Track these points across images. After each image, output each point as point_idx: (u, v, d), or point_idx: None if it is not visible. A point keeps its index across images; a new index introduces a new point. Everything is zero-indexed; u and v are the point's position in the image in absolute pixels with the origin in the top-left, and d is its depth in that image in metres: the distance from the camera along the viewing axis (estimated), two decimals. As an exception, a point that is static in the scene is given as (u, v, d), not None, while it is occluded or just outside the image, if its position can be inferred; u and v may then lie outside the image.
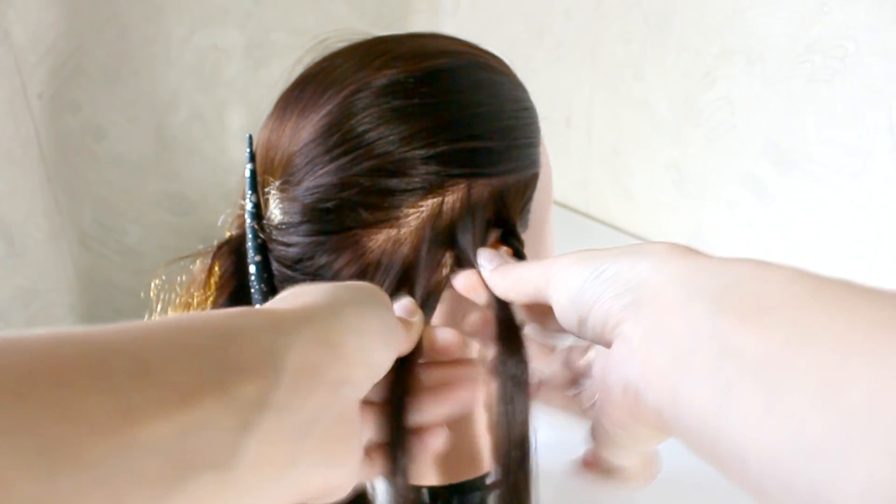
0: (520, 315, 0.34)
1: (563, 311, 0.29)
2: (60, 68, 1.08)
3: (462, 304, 0.37)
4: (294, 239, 0.36)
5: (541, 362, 0.36)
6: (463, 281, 0.35)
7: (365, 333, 0.26)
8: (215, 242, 0.41)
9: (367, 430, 0.31)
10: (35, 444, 0.15)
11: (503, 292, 0.33)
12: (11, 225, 1.10)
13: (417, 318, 0.33)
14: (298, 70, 0.41)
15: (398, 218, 0.35)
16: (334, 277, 0.36)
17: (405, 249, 0.35)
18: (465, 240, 0.36)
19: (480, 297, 0.35)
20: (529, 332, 0.35)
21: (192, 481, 0.18)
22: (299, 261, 0.37)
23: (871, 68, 0.72)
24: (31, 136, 1.08)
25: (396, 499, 0.31)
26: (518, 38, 1.16)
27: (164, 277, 0.43)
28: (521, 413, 0.33)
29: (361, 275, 0.36)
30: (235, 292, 0.39)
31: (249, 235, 0.38)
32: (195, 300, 0.40)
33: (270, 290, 0.38)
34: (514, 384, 0.33)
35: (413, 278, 0.36)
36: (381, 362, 0.27)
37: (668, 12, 0.91)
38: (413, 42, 0.39)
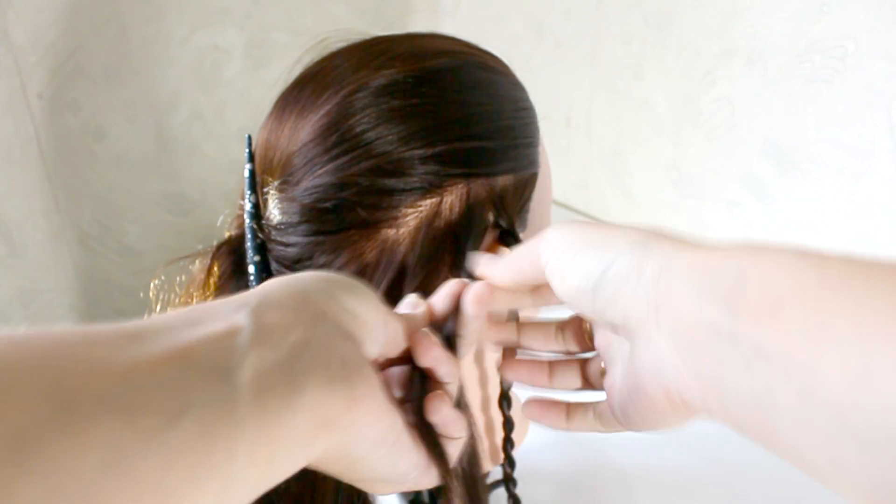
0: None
1: (570, 298, 0.29)
2: (60, 68, 1.08)
3: None
4: (293, 239, 0.36)
5: (539, 344, 0.36)
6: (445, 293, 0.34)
7: (333, 289, 0.27)
8: (214, 243, 0.41)
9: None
10: (51, 383, 0.18)
11: (500, 281, 0.33)
12: (11, 225, 1.10)
13: (422, 308, 0.32)
14: (298, 70, 0.41)
15: (397, 218, 0.35)
16: None
17: (404, 249, 0.35)
18: (463, 240, 0.36)
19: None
20: (526, 313, 0.36)
21: (196, 406, 0.20)
22: (298, 261, 0.37)
23: (871, 68, 0.72)
24: (30, 135, 1.08)
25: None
26: (518, 38, 1.16)
27: (163, 277, 0.43)
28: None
29: (360, 274, 0.36)
30: (234, 292, 0.39)
31: (248, 235, 0.38)
32: (194, 300, 0.40)
33: None
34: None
35: (411, 278, 0.36)
36: (360, 311, 0.27)
37: (668, 12, 0.91)
38: (412, 42, 0.39)
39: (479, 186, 0.36)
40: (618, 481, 0.51)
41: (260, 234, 0.38)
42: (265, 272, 0.38)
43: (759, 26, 0.81)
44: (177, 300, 0.41)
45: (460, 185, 0.36)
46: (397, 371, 0.31)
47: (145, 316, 0.43)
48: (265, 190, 0.38)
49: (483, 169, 0.36)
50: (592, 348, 0.35)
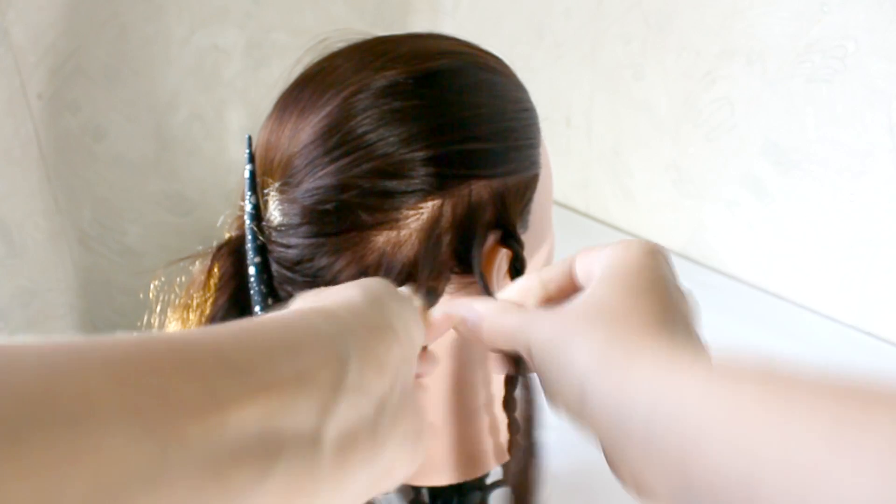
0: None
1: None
2: (60, 68, 1.08)
3: None
4: (294, 241, 0.36)
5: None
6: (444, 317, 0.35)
7: (404, 315, 0.28)
8: (215, 244, 0.41)
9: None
10: (142, 425, 0.17)
11: (487, 342, 0.33)
12: (11, 225, 1.10)
13: (451, 320, 0.34)
14: (298, 70, 0.41)
15: (398, 220, 0.35)
16: (334, 279, 0.36)
17: (405, 251, 0.35)
18: (465, 242, 0.36)
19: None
20: None
21: (284, 461, 0.19)
22: (299, 262, 0.37)
23: (871, 68, 0.72)
24: (30, 136, 1.08)
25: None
26: (518, 38, 1.16)
27: (163, 278, 0.43)
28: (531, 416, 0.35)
29: (361, 277, 0.36)
30: (235, 294, 0.39)
31: (249, 237, 0.38)
32: (195, 302, 0.40)
33: (270, 292, 0.38)
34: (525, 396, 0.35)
35: (413, 280, 0.36)
36: (419, 340, 0.29)
37: (668, 12, 0.91)
38: (413, 42, 0.39)
39: (481, 188, 0.36)
40: (618, 481, 0.51)
41: (260, 236, 0.38)
42: (265, 273, 0.38)
43: (759, 26, 0.81)
44: (177, 301, 0.41)
45: (462, 187, 0.36)
46: None
47: (146, 317, 0.43)
48: (265, 191, 0.38)
49: (485, 170, 0.36)
50: None
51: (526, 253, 0.38)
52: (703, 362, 0.23)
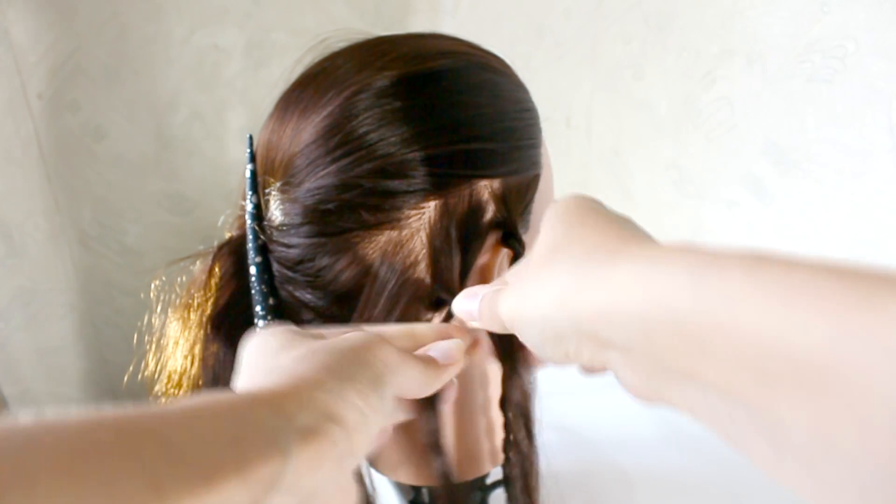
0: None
1: (539, 355, 0.29)
2: (60, 68, 1.08)
3: None
4: (295, 240, 0.36)
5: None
6: (458, 307, 0.34)
7: (363, 407, 0.27)
8: (216, 243, 0.41)
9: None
10: None
11: (489, 328, 0.33)
12: (11, 225, 1.10)
13: (458, 358, 0.33)
14: (299, 70, 0.41)
15: (399, 220, 0.35)
16: (335, 279, 0.36)
17: (406, 251, 0.35)
18: (466, 241, 0.36)
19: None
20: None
21: None
22: (300, 262, 0.37)
23: (871, 68, 0.72)
24: (30, 135, 1.08)
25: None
26: (518, 38, 1.16)
27: (164, 278, 0.43)
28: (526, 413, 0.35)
29: (362, 278, 0.36)
30: (236, 293, 0.39)
31: (250, 236, 0.38)
32: (195, 301, 0.40)
33: (271, 292, 0.38)
34: (520, 392, 0.35)
35: (414, 281, 0.36)
36: (376, 426, 0.28)
37: (668, 12, 0.91)
38: (414, 42, 0.39)
39: (482, 188, 0.36)
40: (618, 481, 0.51)
41: (262, 236, 0.38)
42: (267, 273, 0.38)
43: (759, 26, 0.81)
44: (177, 301, 0.41)
45: (463, 187, 0.36)
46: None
47: (146, 317, 0.43)
48: (267, 191, 0.38)
49: (486, 171, 0.36)
50: None
51: (527, 253, 0.38)
52: (688, 254, 0.22)
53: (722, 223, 0.93)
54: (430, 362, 0.31)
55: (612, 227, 0.27)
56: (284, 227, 0.37)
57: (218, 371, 0.38)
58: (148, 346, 0.41)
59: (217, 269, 0.40)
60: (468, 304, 0.33)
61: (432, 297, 0.37)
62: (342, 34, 0.42)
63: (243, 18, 1.18)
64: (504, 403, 0.39)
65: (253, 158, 0.40)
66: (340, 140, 0.35)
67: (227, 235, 0.41)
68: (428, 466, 0.44)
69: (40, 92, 1.07)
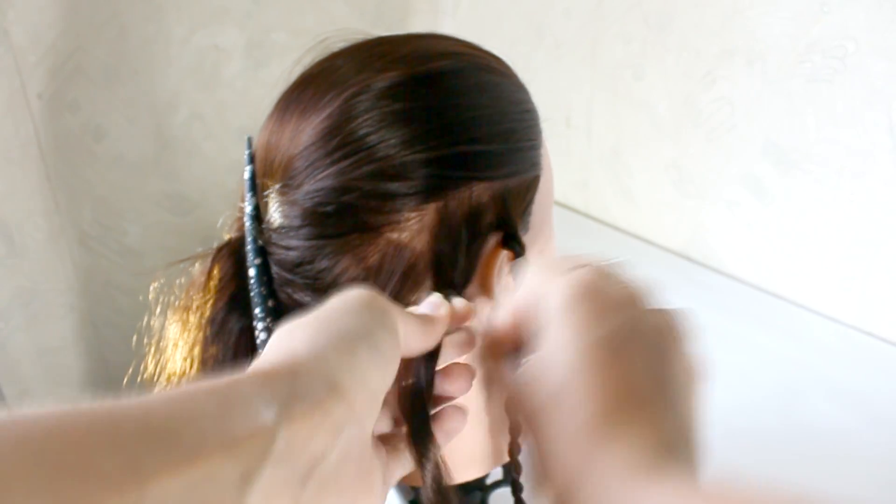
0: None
1: None
2: (60, 68, 1.08)
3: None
4: (294, 243, 0.36)
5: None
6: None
7: (361, 368, 0.26)
8: (214, 245, 0.41)
9: (386, 423, 0.32)
10: (56, 501, 0.17)
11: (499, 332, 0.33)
12: (11, 225, 1.10)
13: (444, 310, 0.32)
14: (298, 70, 0.41)
15: (399, 222, 0.35)
16: (334, 282, 0.36)
17: (406, 254, 0.35)
18: (466, 243, 0.36)
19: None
20: None
21: None
22: (299, 265, 0.37)
23: (871, 68, 0.72)
24: (30, 135, 1.08)
25: (430, 492, 0.32)
26: (518, 38, 1.16)
27: (163, 280, 0.43)
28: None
29: (362, 279, 0.36)
30: (235, 296, 0.39)
31: (249, 238, 0.38)
32: (194, 303, 0.39)
33: (270, 294, 0.38)
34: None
35: (414, 283, 0.36)
36: (380, 389, 0.27)
37: (668, 12, 0.91)
38: (415, 43, 0.39)
39: (482, 189, 0.36)
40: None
41: (260, 238, 0.38)
42: (265, 275, 0.38)
43: (759, 26, 0.81)
44: (177, 302, 0.41)
45: (463, 189, 0.36)
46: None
47: (145, 318, 0.43)
48: (266, 193, 0.38)
49: (486, 172, 0.36)
50: None
51: (527, 254, 0.38)
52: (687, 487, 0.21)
53: (722, 223, 0.93)
54: (422, 315, 0.31)
55: (628, 374, 0.26)
56: (283, 230, 0.37)
57: (217, 373, 0.38)
58: (147, 348, 0.41)
59: (216, 272, 0.40)
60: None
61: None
62: (342, 34, 0.41)
63: (243, 18, 1.18)
64: (509, 404, 0.39)
65: (252, 160, 0.40)
66: (340, 142, 0.35)
67: (226, 237, 0.41)
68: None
69: (40, 92, 1.07)
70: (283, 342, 0.27)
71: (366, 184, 0.35)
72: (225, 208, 0.45)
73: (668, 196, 0.98)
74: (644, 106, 0.98)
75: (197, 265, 0.41)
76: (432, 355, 0.32)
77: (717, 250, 0.95)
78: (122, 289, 1.23)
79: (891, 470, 0.68)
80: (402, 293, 0.36)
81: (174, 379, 0.40)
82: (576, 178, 1.13)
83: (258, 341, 0.37)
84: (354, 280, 0.36)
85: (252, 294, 0.38)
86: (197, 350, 0.39)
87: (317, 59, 0.40)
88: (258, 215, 0.38)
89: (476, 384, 0.43)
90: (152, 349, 0.41)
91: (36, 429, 0.18)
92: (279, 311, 0.38)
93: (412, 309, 0.32)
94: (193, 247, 0.42)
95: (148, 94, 1.15)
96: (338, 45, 0.41)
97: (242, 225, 0.39)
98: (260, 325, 0.37)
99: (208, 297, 0.39)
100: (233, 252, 0.40)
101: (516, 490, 0.40)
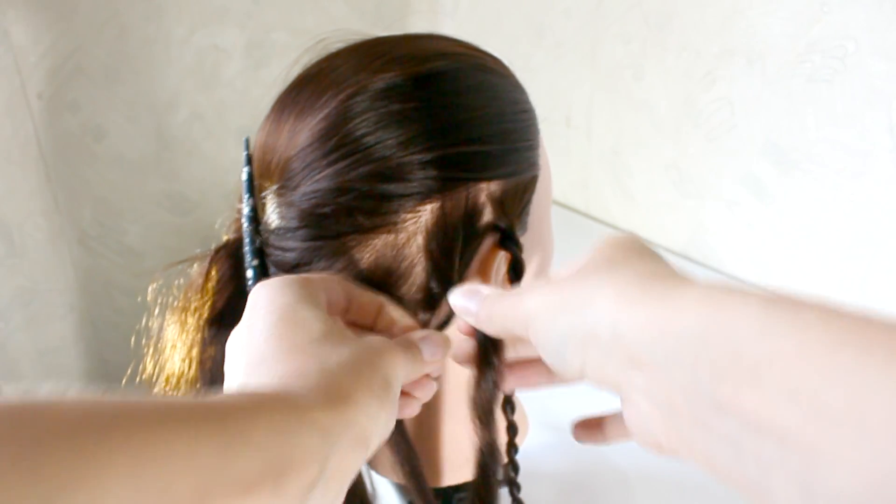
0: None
1: (552, 361, 0.29)
2: (60, 68, 1.08)
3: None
4: (291, 244, 0.36)
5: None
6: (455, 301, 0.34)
7: (384, 427, 0.30)
8: (213, 246, 0.41)
9: None
10: None
11: (486, 328, 0.33)
12: (11, 225, 1.10)
13: (440, 355, 0.34)
14: (296, 70, 0.41)
15: (396, 223, 0.35)
16: None
17: (403, 255, 0.35)
18: (463, 244, 0.36)
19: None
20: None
21: None
22: (297, 266, 0.37)
23: (871, 68, 0.72)
24: (30, 135, 1.08)
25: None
26: (518, 38, 1.16)
27: (162, 280, 0.43)
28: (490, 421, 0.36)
29: (362, 280, 0.36)
30: (233, 296, 0.39)
31: (246, 240, 0.38)
32: (193, 305, 0.39)
33: None
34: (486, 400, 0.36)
35: (411, 283, 0.36)
36: (389, 428, 0.31)
37: (668, 12, 0.91)
38: (412, 43, 0.39)
39: (479, 190, 0.36)
40: (618, 482, 0.51)
41: (258, 239, 0.38)
42: (264, 276, 0.38)
43: (759, 26, 0.81)
44: (176, 303, 0.41)
45: (460, 190, 0.35)
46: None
47: (144, 319, 0.43)
48: (263, 194, 0.38)
49: (483, 173, 0.36)
50: None
51: (525, 255, 0.38)
52: (754, 294, 0.21)
53: (722, 223, 0.93)
54: (416, 351, 0.33)
55: (665, 265, 0.27)
56: (281, 231, 0.37)
57: (215, 374, 0.38)
58: (146, 349, 0.41)
59: (214, 273, 0.40)
60: (467, 301, 0.33)
61: (428, 299, 0.37)
62: (340, 34, 0.41)
63: (243, 18, 1.18)
64: (505, 405, 0.39)
65: (249, 161, 0.40)
66: (337, 143, 0.35)
67: (224, 238, 0.41)
68: (428, 467, 0.44)
69: (40, 92, 1.07)
70: (335, 367, 0.29)
71: (363, 185, 0.34)
72: (225, 208, 0.45)
73: (669, 196, 0.98)
74: (644, 106, 0.98)
75: (195, 266, 0.41)
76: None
77: (717, 250, 0.95)
78: (122, 289, 1.23)
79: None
80: (399, 294, 0.36)
81: (172, 380, 0.40)
82: (576, 178, 1.12)
83: None
84: (351, 281, 0.36)
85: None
86: (195, 351, 0.39)
87: (314, 60, 0.40)
88: (256, 216, 0.38)
89: (460, 389, 0.43)
90: (151, 350, 0.41)
91: (115, 427, 0.20)
92: None
93: (413, 338, 0.34)
94: (193, 247, 0.42)
95: (148, 94, 1.15)
96: (337, 45, 0.41)
97: (240, 226, 0.39)
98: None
99: (206, 298, 0.39)
100: (231, 253, 0.40)
101: (514, 490, 0.40)
